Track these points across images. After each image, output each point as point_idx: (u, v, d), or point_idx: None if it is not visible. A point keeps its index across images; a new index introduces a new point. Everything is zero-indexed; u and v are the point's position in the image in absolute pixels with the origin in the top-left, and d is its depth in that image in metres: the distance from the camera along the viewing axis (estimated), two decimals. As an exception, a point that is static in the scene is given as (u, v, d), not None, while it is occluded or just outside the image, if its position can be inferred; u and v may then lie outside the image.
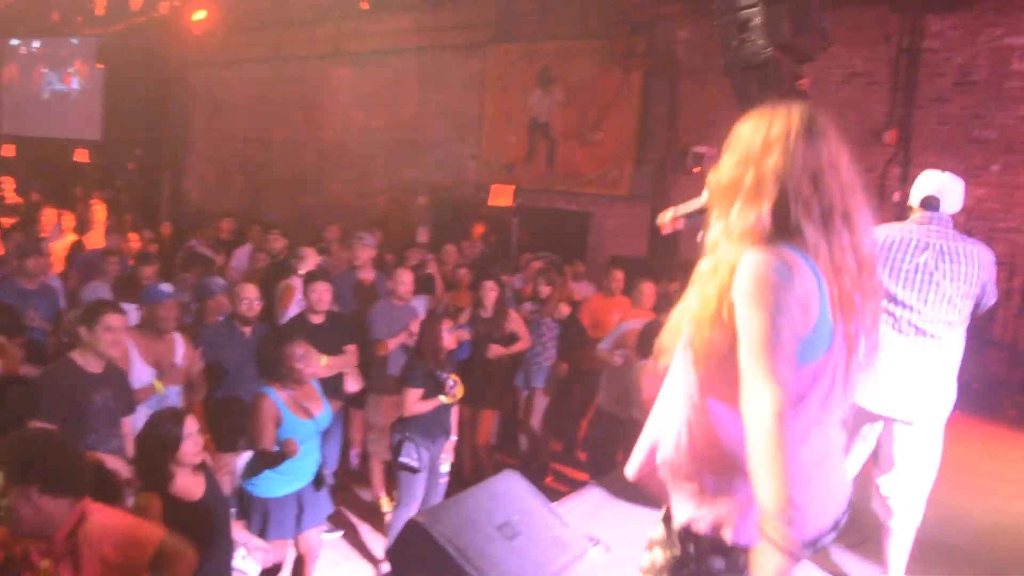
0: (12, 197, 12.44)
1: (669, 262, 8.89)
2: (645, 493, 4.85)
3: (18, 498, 2.58)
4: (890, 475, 3.72)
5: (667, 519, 2.08)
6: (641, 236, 9.79)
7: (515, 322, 6.76)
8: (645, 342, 6.13)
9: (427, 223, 11.70)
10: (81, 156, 15.15)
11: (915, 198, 3.73)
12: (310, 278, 6.19)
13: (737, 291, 1.82)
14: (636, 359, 6.24)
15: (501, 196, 10.11)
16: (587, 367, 7.31)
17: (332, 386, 5.69)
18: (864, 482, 3.74)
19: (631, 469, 2.21)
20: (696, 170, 9.71)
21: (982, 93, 8.26)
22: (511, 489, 3.63)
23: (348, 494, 6.52)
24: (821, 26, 7.12)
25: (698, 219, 2.23)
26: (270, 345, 4.74)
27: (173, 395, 4.90)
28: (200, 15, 13.30)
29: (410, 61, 12.47)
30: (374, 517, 6.22)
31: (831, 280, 1.84)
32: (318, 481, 4.49)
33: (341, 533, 5.95)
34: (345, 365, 6.03)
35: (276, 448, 4.23)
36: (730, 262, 1.86)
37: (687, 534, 1.99)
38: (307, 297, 6.04)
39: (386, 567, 5.48)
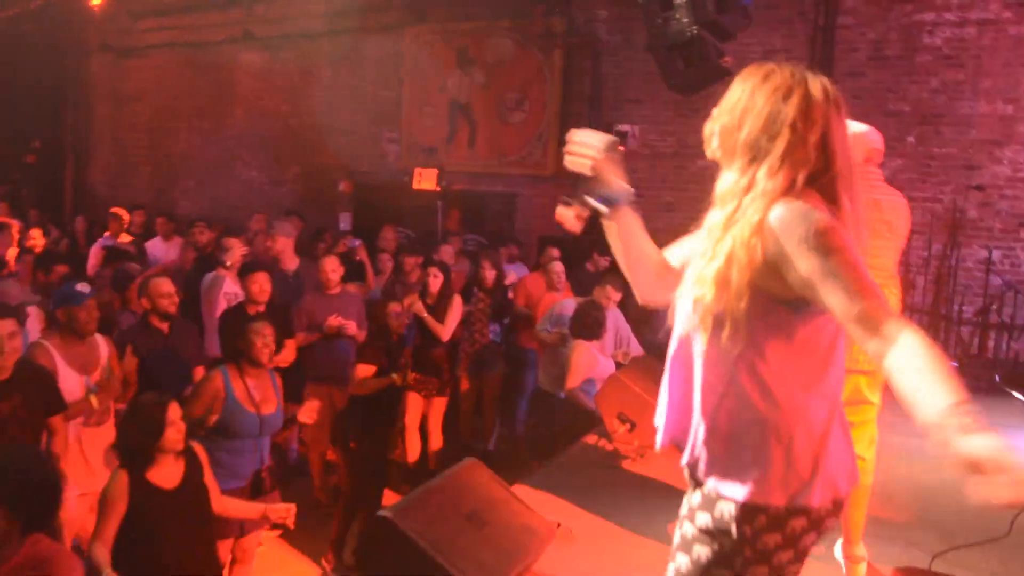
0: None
1: (597, 240, 8.89)
2: (594, 474, 4.85)
3: None
4: None
5: (708, 505, 1.98)
6: (568, 216, 9.78)
7: (455, 309, 6.67)
8: (580, 320, 6.15)
9: (349, 209, 11.48)
10: (-26, 149, 14.38)
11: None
12: (248, 269, 6.02)
13: (790, 240, 1.77)
14: (570, 338, 6.25)
15: (425, 180, 9.98)
16: (525, 347, 7.33)
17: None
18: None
19: (660, 445, 2.14)
20: (620, 148, 9.73)
21: (895, 67, 8.49)
22: (475, 478, 3.58)
23: (286, 488, 6.35)
24: (743, 4, 7.22)
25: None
26: (233, 323, 4.60)
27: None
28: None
29: (322, 45, 12.17)
30: (315, 511, 6.08)
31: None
32: (256, 484, 4.34)
33: (279, 532, 5.81)
34: (284, 360, 5.86)
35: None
36: (754, 223, 1.82)
37: (741, 513, 1.90)
38: (247, 288, 5.87)
39: (335, 562, 5.39)
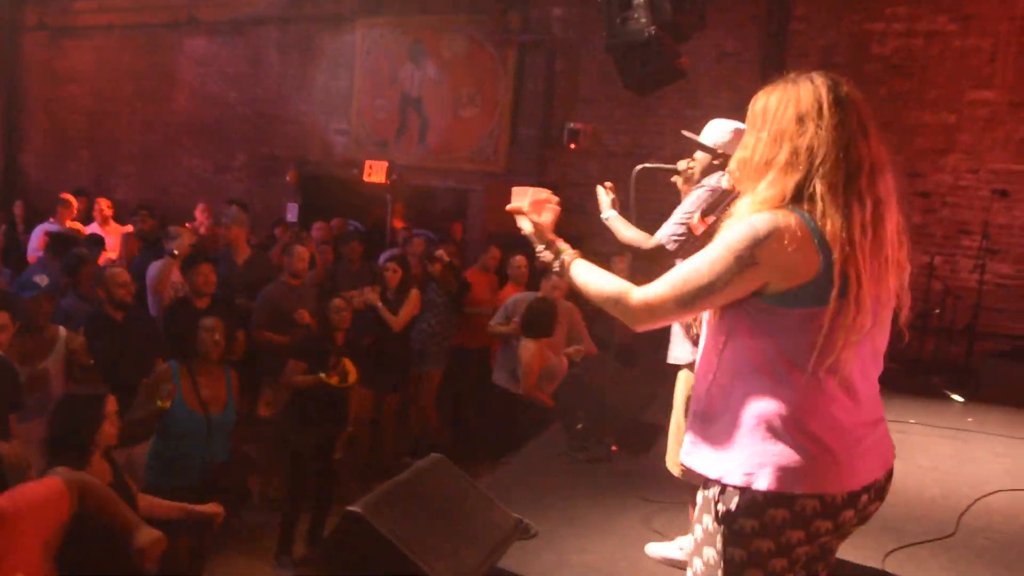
0: None
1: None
2: (554, 471, 4.83)
3: None
4: None
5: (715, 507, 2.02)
6: (519, 213, 9.75)
7: (411, 302, 6.60)
8: (531, 318, 6.14)
9: (296, 200, 11.30)
10: None
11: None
12: (193, 260, 5.86)
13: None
14: (522, 334, 6.24)
15: (375, 173, 9.87)
16: (470, 343, 7.31)
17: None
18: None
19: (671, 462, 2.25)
20: (572, 146, 9.76)
21: (844, 74, 8.53)
22: (441, 473, 3.53)
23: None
24: (699, 5, 7.29)
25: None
26: (179, 319, 4.48)
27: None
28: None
29: (271, 32, 11.98)
30: (264, 505, 5.98)
31: (842, 247, 1.87)
32: (207, 482, 4.23)
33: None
34: (233, 352, 5.73)
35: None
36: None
37: (720, 493, 1.98)
38: (192, 280, 5.70)
39: (283, 558, 5.30)
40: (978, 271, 7.91)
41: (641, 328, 2.08)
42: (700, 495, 2.08)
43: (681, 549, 3.68)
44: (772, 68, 9.18)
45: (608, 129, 9.73)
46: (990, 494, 4.59)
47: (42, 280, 4.53)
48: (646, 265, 3.62)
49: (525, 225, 2.35)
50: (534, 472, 4.78)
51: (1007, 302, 8.10)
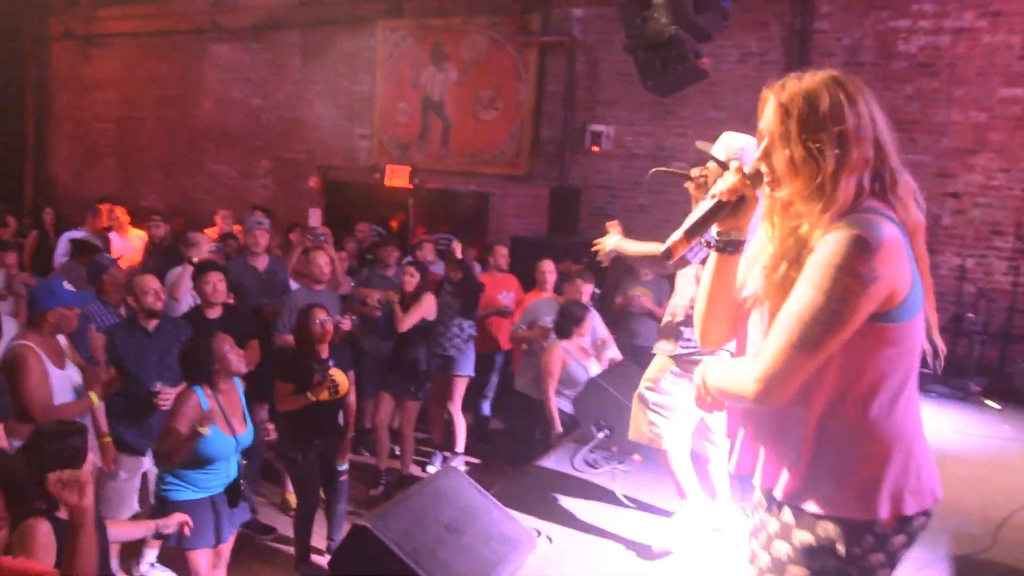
0: None
1: (569, 241, 8.85)
2: (571, 479, 4.76)
3: None
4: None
5: (806, 524, 1.90)
6: (541, 216, 9.68)
7: (421, 304, 6.54)
8: (562, 318, 6.08)
9: (319, 205, 11.30)
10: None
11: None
12: (202, 268, 5.79)
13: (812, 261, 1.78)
14: (549, 339, 6.18)
15: (397, 177, 9.86)
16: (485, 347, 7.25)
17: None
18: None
19: (732, 464, 2.05)
20: (594, 148, 9.70)
21: (869, 73, 8.49)
22: (454, 485, 3.47)
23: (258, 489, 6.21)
24: (721, 5, 7.18)
25: (707, 228, 2.06)
26: (194, 343, 4.40)
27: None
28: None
29: (294, 37, 12.01)
30: (286, 513, 5.95)
31: (920, 248, 1.84)
32: (232, 496, 4.19)
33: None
34: (250, 362, 5.69)
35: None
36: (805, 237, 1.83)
37: (847, 532, 1.85)
38: (200, 289, 5.63)
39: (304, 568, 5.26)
40: (1012, 273, 7.73)
41: (776, 403, 1.81)
42: (775, 519, 1.97)
43: (676, 525, 3.90)
44: (796, 68, 9.01)
45: (630, 131, 9.64)
46: (1028, 505, 4.47)
47: (71, 288, 4.49)
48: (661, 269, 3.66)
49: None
50: (554, 481, 4.71)
51: (1043, 304, 7.91)
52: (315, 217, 10.79)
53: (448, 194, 10.57)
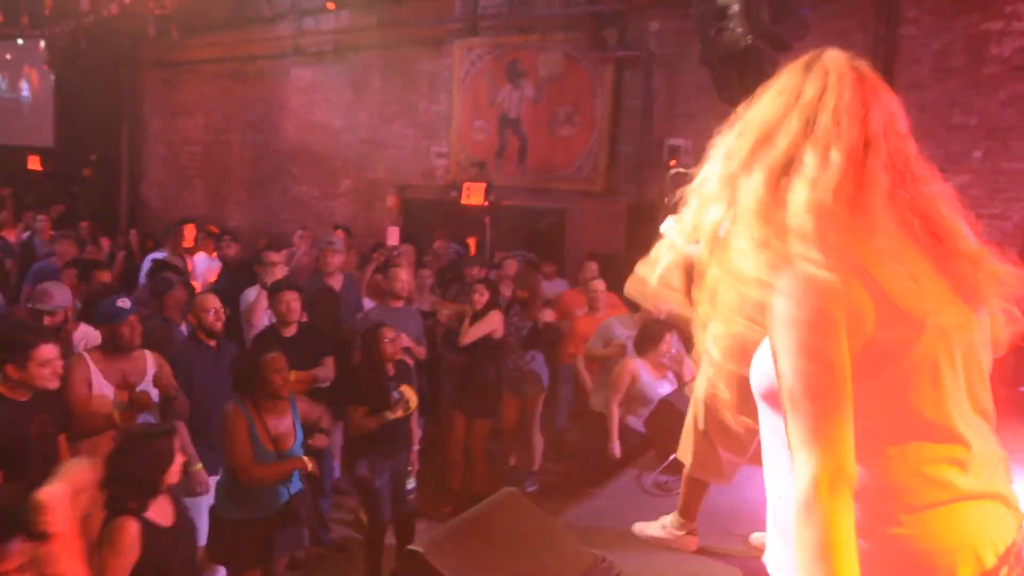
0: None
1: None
2: (641, 502, 4.62)
3: None
4: None
5: None
6: (619, 232, 9.56)
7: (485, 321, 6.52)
8: (642, 336, 5.96)
9: (397, 224, 11.40)
10: (34, 164, 14.60)
11: None
12: (277, 287, 5.88)
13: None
14: (630, 352, 6.06)
15: (474, 195, 9.87)
16: (563, 363, 7.16)
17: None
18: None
19: None
20: (672, 163, 9.54)
21: (960, 79, 8.15)
22: (513, 509, 3.38)
23: (334, 511, 6.23)
24: (800, 13, 6.98)
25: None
26: (244, 358, 4.46)
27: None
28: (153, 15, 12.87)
29: (373, 58, 12.17)
30: (360, 532, 5.94)
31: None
32: (289, 513, 4.20)
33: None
34: (321, 378, 5.73)
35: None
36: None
37: None
38: (275, 308, 5.72)
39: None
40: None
41: (846, 492, 1.41)
42: None
43: (664, 528, 3.87)
44: (882, 76, 8.74)
45: (709, 145, 9.44)
46: None
47: (125, 304, 4.61)
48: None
49: None
50: (622, 505, 4.57)
51: None
52: (393, 235, 10.88)
53: (525, 211, 10.56)
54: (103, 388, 4.48)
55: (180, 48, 13.59)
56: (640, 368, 5.92)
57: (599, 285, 7.09)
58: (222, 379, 4.87)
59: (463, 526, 3.08)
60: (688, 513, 3.86)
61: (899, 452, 1.54)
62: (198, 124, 14.41)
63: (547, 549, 3.33)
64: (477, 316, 6.44)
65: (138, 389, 4.58)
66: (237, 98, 13.74)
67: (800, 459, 1.43)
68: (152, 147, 15.27)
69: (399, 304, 6.38)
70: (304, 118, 13.05)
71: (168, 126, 14.90)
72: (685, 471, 3.83)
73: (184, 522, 3.41)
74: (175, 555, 3.24)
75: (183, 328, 5.65)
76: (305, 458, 4.21)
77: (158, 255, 8.66)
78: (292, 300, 5.63)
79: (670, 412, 5.24)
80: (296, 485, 4.23)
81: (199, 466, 4.76)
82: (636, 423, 5.87)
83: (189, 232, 10.14)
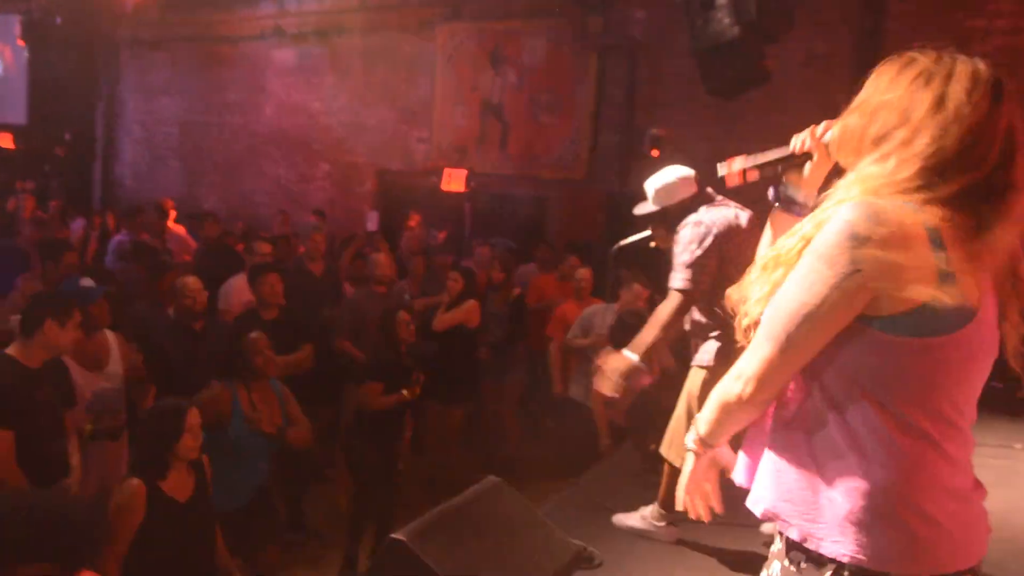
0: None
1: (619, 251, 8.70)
2: (622, 494, 4.61)
3: None
4: None
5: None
6: (599, 221, 9.53)
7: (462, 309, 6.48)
8: (619, 328, 5.91)
9: (376, 209, 11.31)
10: (5, 141, 14.33)
11: None
12: (259, 270, 5.81)
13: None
14: (606, 346, 6.03)
15: (454, 181, 9.81)
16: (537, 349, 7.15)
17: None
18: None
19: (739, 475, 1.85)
20: (654, 153, 9.50)
21: (943, 75, 8.17)
22: (496, 498, 3.35)
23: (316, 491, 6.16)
24: (786, 5, 6.98)
25: (773, 171, 1.95)
26: (225, 339, 4.42)
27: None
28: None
29: (354, 41, 12.02)
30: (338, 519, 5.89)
31: (971, 255, 1.53)
32: (262, 502, 4.20)
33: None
34: (299, 364, 5.66)
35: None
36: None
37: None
38: (258, 291, 5.64)
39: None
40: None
41: (762, 405, 1.70)
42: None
43: (643, 519, 3.88)
44: (865, 70, 8.75)
45: (692, 135, 9.39)
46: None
47: (88, 282, 4.52)
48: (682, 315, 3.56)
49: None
50: (602, 495, 4.55)
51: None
52: (372, 220, 10.81)
53: (506, 198, 10.50)
54: (78, 371, 4.39)
55: (158, 26, 13.39)
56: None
57: (585, 273, 7.06)
58: (209, 359, 4.84)
59: (447, 515, 3.04)
60: (668, 504, 3.85)
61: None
62: (175, 104, 14.20)
63: (530, 539, 3.31)
64: (453, 304, 6.41)
65: (107, 369, 4.50)
66: (215, 78, 13.55)
67: (741, 370, 1.68)
68: (127, 127, 15.05)
69: (383, 289, 6.32)
70: (283, 100, 12.89)
71: (144, 105, 14.68)
72: (667, 464, 3.81)
73: (201, 499, 3.53)
74: (187, 530, 3.40)
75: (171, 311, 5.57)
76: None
77: (123, 237, 8.55)
78: (276, 283, 5.58)
79: (650, 404, 5.23)
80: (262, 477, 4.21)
81: None
82: (616, 415, 5.85)
83: (163, 213, 10.04)
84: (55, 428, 3.88)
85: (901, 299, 1.51)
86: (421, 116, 11.48)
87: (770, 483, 1.70)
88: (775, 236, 1.87)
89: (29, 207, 9.57)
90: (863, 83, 1.70)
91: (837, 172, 1.76)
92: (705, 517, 1.96)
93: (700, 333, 3.72)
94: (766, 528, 3.81)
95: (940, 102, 1.56)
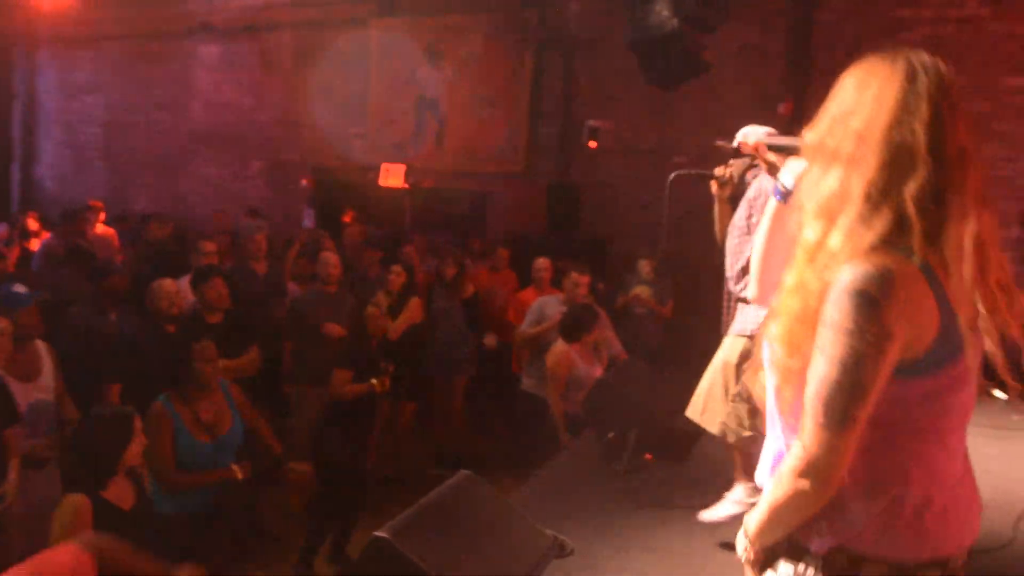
0: None
1: (569, 238, 8.74)
2: (587, 483, 4.64)
3: None
4: None
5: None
6: (540, 214, 9.55)
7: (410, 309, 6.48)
8: (571, 321, 5.95)
9: (312, 206, 11.15)
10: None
11: None
12: (206, 273, 5.67)
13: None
14: (556, 339, 6.06)
15: (392, 176, 9.73)
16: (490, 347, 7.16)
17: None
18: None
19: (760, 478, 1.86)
20: (592, 144, 9.56)
21: (872, 64, 8.38)
22: (471, 491, 3.34)
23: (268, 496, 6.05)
24: (723, -3, 7.09)
25: (782, 153, 2.05)
26: (170, 347, 4.31)
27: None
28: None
29: (286, 37, 11.83)
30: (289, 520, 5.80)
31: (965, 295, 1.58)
32: (221, 507, 4.10)
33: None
34: (245, 369, 5.54)
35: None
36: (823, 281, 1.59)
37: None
38: (204, 294, 5.51)
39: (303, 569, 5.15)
40: (1018, 263, 7.64)
41: (831, 491, 1.59)
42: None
43: (736, 502, 3.74)
44: (798, 60, 8.98)
45: (630, 126, 9.48)
46: (1048, 497, 4.35)
47: (21, 289, 4.34)
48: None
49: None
50: (566, 485, 4.59)
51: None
52: (309, 218, 10.66)
53: (445, 193, 10.45)
54: (13, 385, 4.17)
55: (79, 23, 12.95)
56: (574, 355, 5.92)
57: (543, 263, 7.08)
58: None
59: (425, 511, 3.02)
60: (751, 475, 3.77)
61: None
62: (99, 103, 13.78)
63: (507, 531, 3.31)
64: (397, 298, 6.39)
65: (39, 381, 4.32)
66: (141, 76, 13.18)
67: (809, 465, 1.58)
68: (46, 127, 14.56)
69: (332, 289, 6.23)
70: (213, 98, 12.61)
71: (65, 106, 14.21)
72: (732, 447, 3.74)
73: (144, 507, 3.42)
74: (132, 539, 3.13)
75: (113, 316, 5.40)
76: (235, 466, 4.09)
77: (52, 240, 8.29)
78: (222, 286, 5.45)
79: (607, 393, 5.27)
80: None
81: None
82: (569, 407, 5.87)
83: (93, 216, 9.75)
84: None
85: (921, 341, 1.55)
86: (356, 112, 11.33)
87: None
88: (772, 227, 1.93)
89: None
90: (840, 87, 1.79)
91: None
92: None
93: (733, 303, 3.66)
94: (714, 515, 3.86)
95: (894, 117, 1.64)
